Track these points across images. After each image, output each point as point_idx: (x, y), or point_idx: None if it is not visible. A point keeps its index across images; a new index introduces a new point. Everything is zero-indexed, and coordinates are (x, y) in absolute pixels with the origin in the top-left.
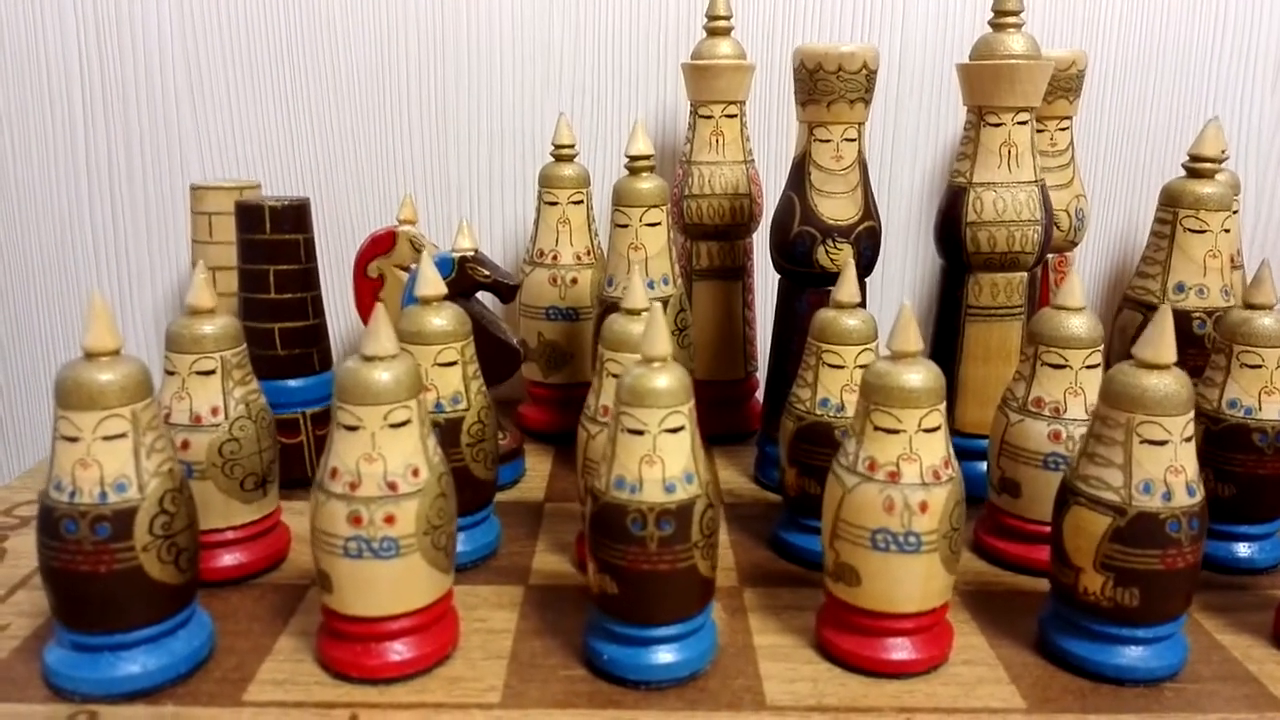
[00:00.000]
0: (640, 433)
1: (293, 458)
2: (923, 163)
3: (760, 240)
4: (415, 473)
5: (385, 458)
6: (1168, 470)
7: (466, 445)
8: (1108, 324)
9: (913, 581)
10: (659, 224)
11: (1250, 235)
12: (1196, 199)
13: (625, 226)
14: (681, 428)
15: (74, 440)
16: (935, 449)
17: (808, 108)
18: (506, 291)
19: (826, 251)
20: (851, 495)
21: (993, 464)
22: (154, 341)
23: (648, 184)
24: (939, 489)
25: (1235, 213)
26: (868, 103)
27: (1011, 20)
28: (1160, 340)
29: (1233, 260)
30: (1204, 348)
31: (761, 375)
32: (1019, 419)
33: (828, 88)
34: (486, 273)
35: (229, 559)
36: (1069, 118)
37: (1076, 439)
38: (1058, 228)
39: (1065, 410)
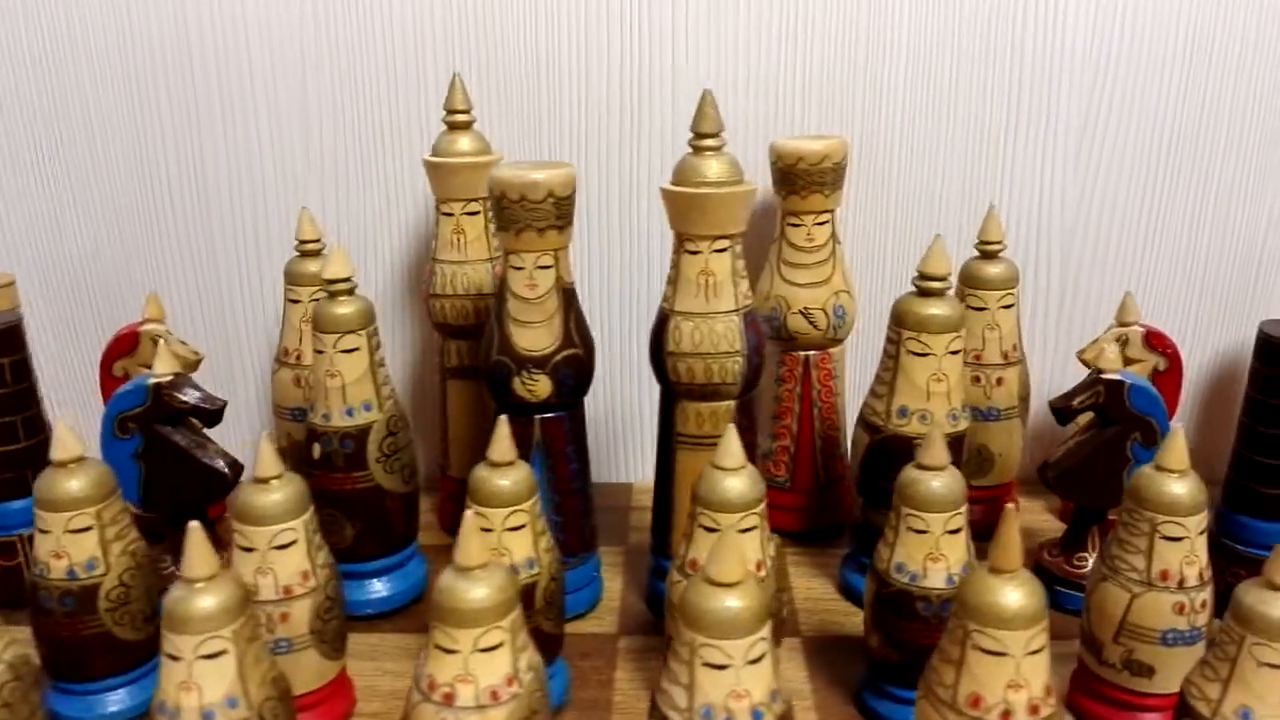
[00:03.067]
0: (176, 659)
1: (13, 580)
2: None
3: None
4: None
5: None
6: (729, 695)
7: (106, 610)
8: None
9: None
10: (357, 349)
11: (1058, 315)
12: (919, 320)
13: (320, 353)
14: (223, 652)
15: None
16: (496, 668)
17: (500, 234)
18: (208, 417)
19: (522, 382)
20: (414, 713)
21: (667, 618)
22: None
23: (344, 309)
24: (497, 710)
25: (1011, 306)
26: (562, 229)
27: (708, 144)
28: (724, 558)
29: (1006, 357)
30: None
31: None
32: (679, 579)
33: (513, 216)
34: (185, 399)
35: None
36: (828, 211)
37: None
38: (815, 327)
39: None
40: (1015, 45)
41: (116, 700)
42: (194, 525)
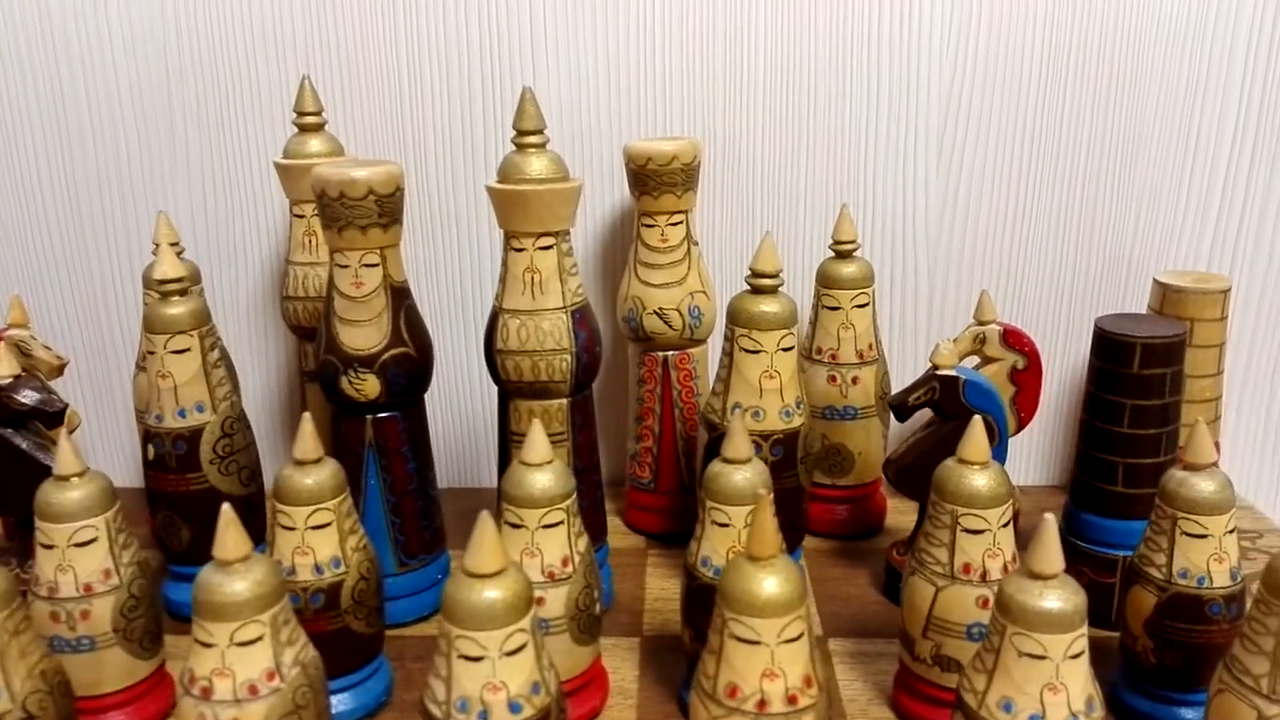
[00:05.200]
0: None
1: None
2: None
3: None
4: None
5: None
6: (485, 688)
7: None
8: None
9: None
10: (188, 350)
11: (927, 315)
12: (750, 318)
13: (152, 354)
14: None
15: None
16: (255, 662)
17: (325, 232)
18: (48, 419)
19: (350, 381)
20: (179, 707)
21: None
22: None
23: (174, 310)
24: (255, 704)
25: (865, 305)
26: (387, 227)
27: (531, 141)
28: (479, 549)
29: (862, 356)
30: None
31: None
32: None
33: (335, 214)
34: (23, 401)
35: None
36: (681, 212)
37: None
38: (670, 327)
39: None
40: (873, 44)
41: None
42: None
